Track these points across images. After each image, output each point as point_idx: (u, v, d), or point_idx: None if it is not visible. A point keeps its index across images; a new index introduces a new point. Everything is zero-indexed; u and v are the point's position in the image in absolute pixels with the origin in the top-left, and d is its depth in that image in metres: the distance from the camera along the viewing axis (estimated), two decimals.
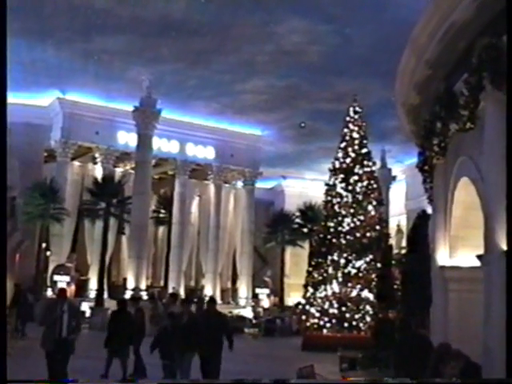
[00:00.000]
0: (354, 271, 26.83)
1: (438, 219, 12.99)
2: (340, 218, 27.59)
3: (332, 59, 31.08)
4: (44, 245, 37.90)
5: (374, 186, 28.42)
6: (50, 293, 35.60)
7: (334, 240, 27.35)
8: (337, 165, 28.50)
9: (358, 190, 27.91)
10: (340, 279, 26.85)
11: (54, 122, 40.03)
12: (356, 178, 28.00)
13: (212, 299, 15.98)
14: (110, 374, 15.12)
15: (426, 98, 12.97)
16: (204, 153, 44.13)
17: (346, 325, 26.01)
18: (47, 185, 37.38)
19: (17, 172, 29.43)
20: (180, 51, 31.34)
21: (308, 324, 27.08)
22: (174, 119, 40.32)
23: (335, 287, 26.83)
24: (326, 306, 26.56)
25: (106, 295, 36.67)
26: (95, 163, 41.86)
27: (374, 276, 26.15)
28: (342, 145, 28.59)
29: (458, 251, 12.29)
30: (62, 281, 35.92)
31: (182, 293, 39.88)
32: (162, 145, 41.65)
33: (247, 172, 46.01)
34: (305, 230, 44.90)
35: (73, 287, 36.78)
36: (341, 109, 29.75)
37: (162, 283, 44.81)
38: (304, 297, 28.16)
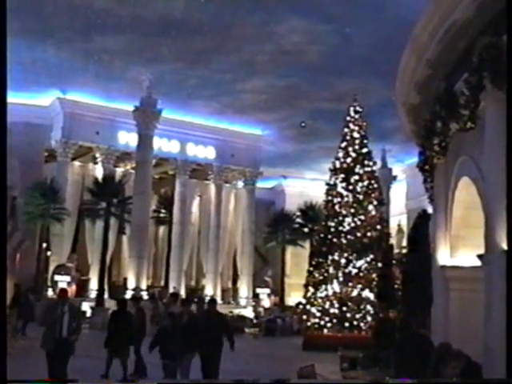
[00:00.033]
0: (354, 271, 26.81)
1: (438, 219, 12.98)
2: (341, 218, 27.57)
3: (332, 59, 31.08)
4: (44, 245, 37.91)
5: (375, 185, 28.41)
6: (50, 293, 35.62)
7: (335, 240, 27.33)
8: (337, 164, 28.48)
9: (358, 189, 27.89)
10: (341, 279, 26.83)
11: (55, 121, 40.04)
12: (357, 177, 27.98)
13: (213, 300, 15.98)
14: (110, 374, 15.14)
15: (427, 97, 12.96)
16: (204, 152, 44.13)
17: (346, 324, 26.00)
18: (48, 185, 37.38)
19: (17, 172, 29.44)
20: (180, 51, 31.33)
21: (309, 324, 27.07)
22: (175, 119, 40.32)
23: (336, 287, 26.81)
24: (327, 305, 26.54)
25: (106, 295, 36.67)
26: (96, 163, 41.86)
27: (374, 276, 26.13)
28: (343, 144, 28.58)
29: (458, 251, 12.29)
30: (63, 281, 35.93)
31: (182, 293, 39.88)
32: (162, 144, 41.65)
33: (248, 172, 46.00)
34: (305, 229, 44.87)
35: (73, 287, 36.78)
36: (341, 108, 29.73)
37: (162, 283, 44.82)
38: (305, 296, 28.14)
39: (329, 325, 26.29)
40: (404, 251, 25.46)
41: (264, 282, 47.10)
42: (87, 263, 40.34)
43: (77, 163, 42.56)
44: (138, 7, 27.37)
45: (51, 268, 37.60)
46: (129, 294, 32.42)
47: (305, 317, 27.63)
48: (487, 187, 9.86)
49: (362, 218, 27.50)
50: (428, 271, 13.30)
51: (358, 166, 28.15)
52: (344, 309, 26.22)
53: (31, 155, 38.47)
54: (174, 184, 44.05)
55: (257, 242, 47.15)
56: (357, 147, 28.43)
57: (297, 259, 46.64)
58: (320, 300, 26.87)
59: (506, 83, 8.81)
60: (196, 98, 37.15)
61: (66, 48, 31.58)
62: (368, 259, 26.89)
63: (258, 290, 46.13)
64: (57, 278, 36.52)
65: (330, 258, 27.23)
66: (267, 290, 46.62)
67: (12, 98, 29.98)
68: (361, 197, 27.83)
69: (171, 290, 37.85)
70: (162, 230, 48.03)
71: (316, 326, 26.61)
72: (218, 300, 40.63)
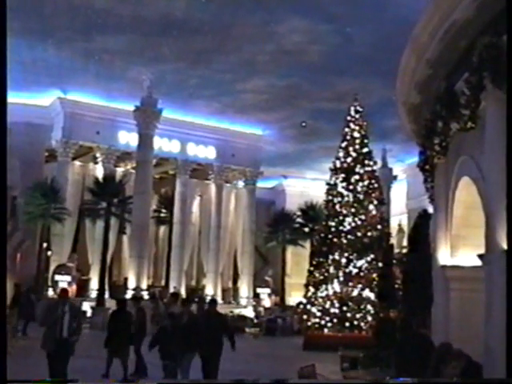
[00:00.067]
0: (355, 271, 26.82)
1: (439, 218, 12.98)
2: (341, 218, 27.58)
3: (333, 59, 31.08)
4: (45, 245, 37.91)
5: (375, 185, 28.42)
6: (51, 293, 35.62)
7: (335, 239, 27.33)
8: (338, 164, 28.50)
9: (359, 189, 27.90)
10: (341, 279, 26.84)
11: (55, 121, 40.05)
12: (357, 177, 27.99)
13: (213, 300, 15.99)
14: (111, 374, 15.15)
15: (427, 97, 12.95)
16: (205, 152, 44.13)
17: (347, 324, 26.01)
18: (48, 185, 37.38)
19: (18, 172, 29.45)
20: (181, 50, 31.33)
21: (309, 323, 27.08)
22: (175, 119, 40.32)
23: (336, 287, 26.82)
24: (327, 305, 26.56)
25: (107, 295, 36.66)
26: (96, 163, 41.86)
27: (375, 275, 26.12)
28: (343, 144, 28.59)
29: (459, 250, 12.28)
30: (63, 281, 35.92)
31: (183, 292, 39.90)
32: (162, 144, 41.65)
33: (248, 171, 45.99)
34: (306, 229, 44.86)
35: (74, 287, 36.76)
36: (342, 108, 29.75)
37: (163, 283, 44.84)
38: (305, 296, 28.15)
39: (329, 324, 26.30)
40: (404, 251, 25.43)
41: (264, 281, 47.11)
42: (88, 263, 40.34)
43: (77, 163, 42.56)
44: (139, 7, 27.37)
45: (52, 268, 37.60)
46: (129, 294, 32.45)
47: (305, 316, 27.64)
48: (487, 187, 9.85)
49: (363, 217, 27.51)
50: (428, 271, 13.30)
51: (359, 166, 28.16)
52: (344, 308, 26.23)
53: (32, 155, 38.48)
54: (175, 184, 44.05)
55: (257, 241, 47.14)
56: (357, 147, 28.44)
57: (297, 259, 46.66)
58: (320, 300, 26.88)
59: (506, 83, 8.80)
60: (197, 97, 37.14)
61: (66, 48, 31.59)
62: (368, 259, 26.91)
63: (259, 290, 46.14)
64: (57, 277, 36.52)
65: (331, 257, 27.23)
66: (268, 290, 46.63)
67: (12, 97, 30.01)
68: (361, 196, 27.85)
69: (172, 290, 37.86)
70: (162, 229, 48.04)
71: (316, 325, 26.62)
72: (219, 300, 40.64)
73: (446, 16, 10.77)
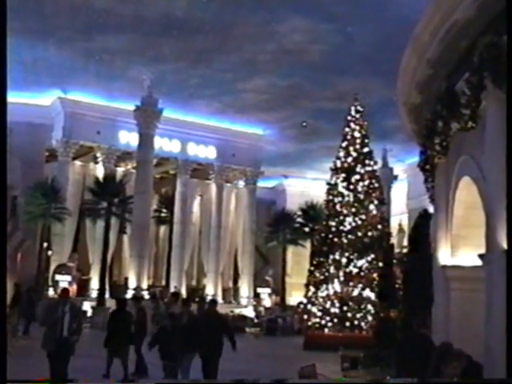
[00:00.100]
0: (355, 270, 26.82)
1: (439, 218, 12.97)
2: (341, 218, 27.58)
3: (333, 58, 31.08)
4: (45, 244, 37.92)
5: (376, 185, 28.42)
6: (51, 292, 35.62)
7: (336, 239, 27.33)
8: (338, 164, 28.49)
9: (359, 189, 27.90)
10: (341, 278, 26.84)
11: (56, 121, 40.06)
12: (357, 177, 27.99)
13: (213, 300, 15.97)
14: (111, 374, 15.14)
15: (428, 97, 12.95)
16: (205, 152, 44.13)
17: (347, 324, 26.02)
18: (49, 184, 37.39)
19: (18, 171, 29.34)
20: (181, 50, 31.33)
21: (310, 323, 27.09)
22: (176, 118, 40.32)
23: (337, 286, 26.82)
24: (328, 305, 26.56)
25: (107, 295, 36.67)
26: (97, 163, 41.87)
27: (375, 275, 26.12)
28: (344, 144, 28.59)
29: (459, 250, 12.28)
30: (64, 280, 35.91)
31: (183, 292, 39.91)
32: (163, 144, 41.65)
33: (249, 171, 45.99)
34: (306, 229, 44.89)
35: (74, 287, 36.76)
36: (342, 108, 29.74)
37: (163, 282, 44.86)
38: (306, 296, 28.16)
39: (330, 324, 26.31)
40: (405, 251, 25.40)
41: (265, 281, 47.11)
42: (88, 263, 40.34)
43: (78, 163, 42.56)
44: (140, 6, 27.37)
45: (52, 267, 37.60)
46: (130, 294, 32.47)
47: (306, 316, 27.66)
48: (488, 187, 9.85)
49: (363, 217, 27.51)
50: (429, 271, 13.29)
51: (359, 166, 28.16)
52: (345, 308, 26.24)
53: (32, 155, 38.44)
54: (175, 183, 44.06)
55: (258, 241, 47.14)
56: (358, 147, 28.44)
57: (298, 259, 46.67)
58: (321, 299, 26.89)
59: (506, 83, 8.80)
60: (197, 97, 37.14)
61: (67, 47, 31.60)
62: (369, 259, 26.90)
63: (259, 290, 46.14)
64: (58, 277, 36.51)
65: (331, 257, 27.23)
66: (268, 290, 46.63)
67: (13, 97, 30.01)
68: (362, 196, 27.84)
69: (172, 290, 37.85)
70: (162, 229, 48.05)
71: (317, 325, 26.63)
72: (219, 299, 40.70)
73: (447, 16, 10.77)
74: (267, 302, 45.57)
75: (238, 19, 28.51)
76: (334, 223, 27.67)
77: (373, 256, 26.85)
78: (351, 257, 26.99)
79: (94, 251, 40.02)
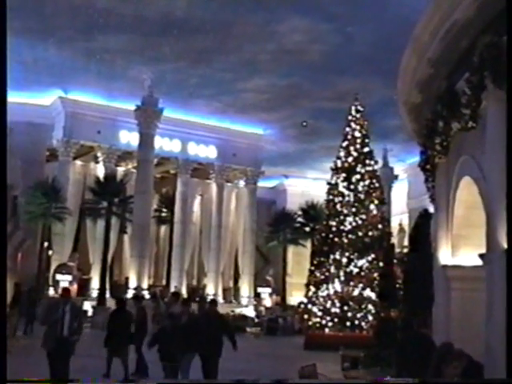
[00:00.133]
0: (355, 270, 26.82)
1: (440, 218, 12.96)
2: (342, 217, 27.58)
3: (333, 58, 31.08)
4: (46, 244, 37.95)
5: (376, 184, 28.41)
6: (52, 292, 35.64)
7: (336, 239, 27.33)
8: (339, 164, 28.49)
9: (359, 188, 27.90)
10: (342, 278, 26.84)
11: (56, 121, 40.08)
12: (358, 176, 27.99)
13: (213, 300, 15.95)
14: (112, 374, 15.13)
15: (428, 96, 12.93)
16: (206, 152, 44.15)
17: (348, 324, 26.02)
18: (49, 184, 37.42)
19: (19, 171, 29.39)
20: (181, 50, 31.34)
21: (310, 323, 27.09)
22: (176, 118, 40.32)
23: (337, 286, 26.82)
24: (328, 305, 26.56)
25: (108, 294, 36.68)
26: (97, 162, 41.89)
27: (375, 275, 26.11)
28: (344, 144, 28.58)
29: (460, 250, 12.27)
30: (64, 280, 35.92)
31: (184, 292, 39.92)
32: (163, 144, 41.66)
33: (249, 171, 46.00)
34: (307, 228, 44.91)
35: (75, 286, 36.76)
36: (342, 107, 29.74)
37: (164, 282, 44.89)
38: (306, 296, 28.15)
39: (330, 324, 26.31)
40: (405, 250, 25.42)
41: (265, 281, 47.12)
42: (89, 262, 40.37)
43: (78, 162, 42.57)
44: (140, 6, 27.38)
45: (53, 267, 37.62)
46: (130, 293, 32.47)
47: (306, 316, 27.65)
48: (488, 187, 9.84)
49: (364, 217, 27.50)
50: (429, 270, 13.28)
51: (360, 166, 28.16)
52: (345, 308, 26.24)
53: (33, 154, 38.50)
54: (176, 183, 44.07)
55: (258, 241, 47.16)
56: (358, 146, 28.43)
57: (298, 258, 46.69)
58: (321, 299, 26.88)
59: (506, 83, 8.79)
60: (197, 97, 37.15)
61: (67, 47, 31.61)
62: (369, 258, 26.90)
63: (260, 290, 46.14)
64: (58, 277, 36.52)
65: (332, 257, 27.23)
66: (269, 290, 46.63)
67: (14, 97, 30.06)
68: (362, 196, 27.84)
69: (173, 290, 37.86)
70: (163, 229, 48.07)
71: (317, 325, 26.63)
72: (220, 299, 40.73)
73: (447, 15, 10.76)
74: (268, 301, 45.58)
75: (237, 19, 28.52)
76: (334, 223, 27.67)
77: (373, 256, 26.85)
78: (352, 256, 26.99)
79: (94, 251, 40.05)
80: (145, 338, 15.98)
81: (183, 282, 42.52)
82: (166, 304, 28.19)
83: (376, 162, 29.14)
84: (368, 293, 26.36)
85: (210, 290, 42.90)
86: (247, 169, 45.81)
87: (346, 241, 27.19)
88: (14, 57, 24.16)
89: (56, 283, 35.83)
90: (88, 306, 33.66)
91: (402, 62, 13.73)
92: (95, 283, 38.32)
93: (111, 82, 35.44)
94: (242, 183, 48.11)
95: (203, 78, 34.43)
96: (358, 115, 28.85)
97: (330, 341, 23.98)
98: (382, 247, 26.41)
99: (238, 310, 39.06)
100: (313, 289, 27.54)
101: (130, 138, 40.39)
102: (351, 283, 26.68)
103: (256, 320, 37.50)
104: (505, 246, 8.83)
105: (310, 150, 44.36)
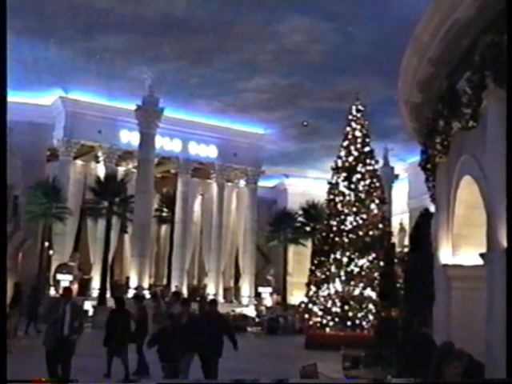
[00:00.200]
0: (356, 270, 26.82)
1: (440, 217, 12.96)
2: (343, 217, 27.58)
3: (334, 58, 31.08)
4: (47, 244, 37.94)
5: (377, 184, 28.41)
6: (52, 292, 35.64)
7: (337, 238, 27.33)
8: (339, 163, 28.49)
9: (360, 188, 27.90)
10: (343, 278, 26.84)
11: (57, 120, 40.07)
12: (359, 176, 27.99)
13: (213, 300, 15.95)
14: (113, 373, 15.13)
15: (429, 96, 12.94)
16: (206, 151, 44.13)
17: (348, 323, 26.01)
18: (50, 184, 37.41)
19: (19, 171, 29.37)
20: (182, 50, 31.35)
21: (311, 322, 27.08)
22: (177, 118, 40.32)
23: (338, 286, 26.82)
24: (329, 304, 26.55)
25: (108, 294, 36.67)
26: (98, 162, 41.87)
27: (376, 274, 26.08)
28: (345, 143, 28.58)
29: (460, 249, 12.27)
30: (65, 280, 35.91)
31: (184, 291, 39.92)
32: (164, 143, 41.64)
33: (250, 171, 45.98)
34: (307, 228, 44.89)
35: (76, 286, 36.76)
36: (343, 107, 29.73)
37: (164, 282, 44.87)
38: (307, 295, 28.16)
39: (331, 323, 26.31)
40: (406, 250, 25.40)
41: (266, 280, 47.10)
42: (89, 262, 40.36)
43: (79, 162, 42.55)
44: (140, 6, 27.40)
45: (53, 267, 37.61)
46: (131, 293, 32.46)
47: (307, 315, 27.64)
48: (489, 186, 9.84)
49: (364, 216, 27.50)
50: (430, 270, 13.28)
51: (360, 165, 28.16)
52: (346, 307, 26.23)
53: (33, 154, 38.45)
54: (176, 183, 44.07)
55: (259, 240, 47.14)
56: (359, 146, 28.43)
57: (299, 258, 46.67)
58: (322, 299, 26.88)
59: (507, 82, 8.79)
60: (198, 96, 37.17)
61: (67, 47, 31.61)
62: (370, 258, 26.90)
63: (260, 289, 46.13)
64: (59, 276, 36.51)
65: (332, 256, 27.23)
66: (269, 289, 46.61)
67: (14, 97, 30.05)
68: (363, 195, 27.84)
69: (173, 289, 37.85)
70: (164, 228, 48.05)
71: (318, 324, 26.62)
72: (220, 299, 40.74)
73: (448, 15, 10.76)
74: (268, 301, 45.56)
75: (238, 19, 28.52)
76: (335, 222, 27.67)
77: (374, 255, 26.85)
78: (352, 256, 26.99)
79: (95, 250, 40.05)
80: (145, 337, 15.95)
81: (184, 281, 42.51)
82: (167, 304, 28.20)
83: (377, 162, 29.14)
84: (369, 292, 26.37)
85: (210, 290, 42.89)
86: (248, 168, 45.79)
87: (346, 240, 27.19)
88: (15, 56, 24.17)
89: (57, 283, 35.84)
90: (89, 306, 33.63)
91: (402, 62, 13.74)
92: (96, 283, 38.31)
93: (112, 81, 35.46)
94: (242, 183, 48.08)
95: (204, 77, 34.43)
96: (359, 115, 28.85)
97: (331, 340, 23.98)
98: (382, 247, 26.39)
99: (238, 310, 39.07)
100: (313, 288, 27.54)
101: (130, 137, 40.39)
102: (352, 283, 26.68)
103: (257, 319, 37.52)
104: (505, 245, 8.83)
105: (310, 149, 44.36)
